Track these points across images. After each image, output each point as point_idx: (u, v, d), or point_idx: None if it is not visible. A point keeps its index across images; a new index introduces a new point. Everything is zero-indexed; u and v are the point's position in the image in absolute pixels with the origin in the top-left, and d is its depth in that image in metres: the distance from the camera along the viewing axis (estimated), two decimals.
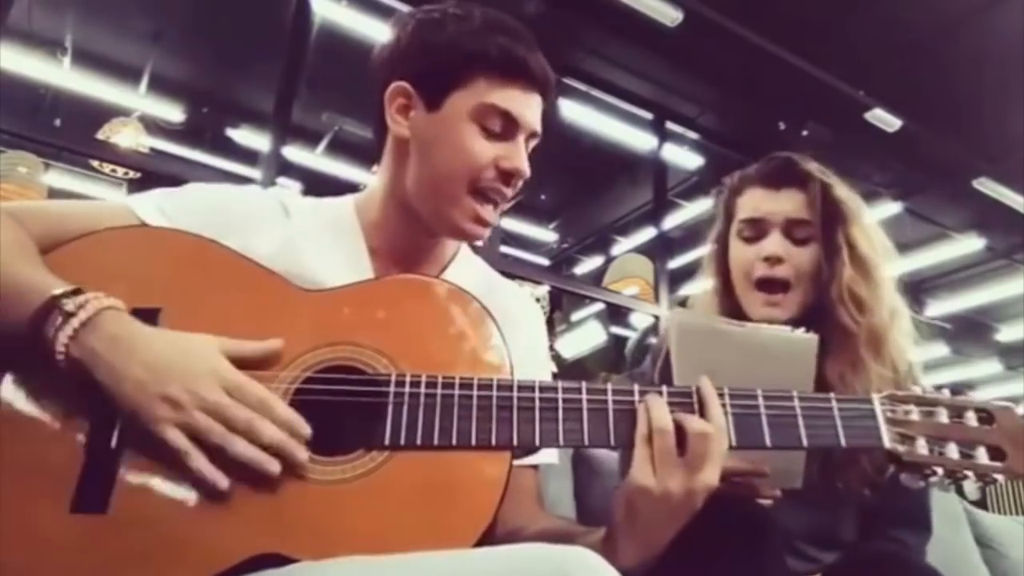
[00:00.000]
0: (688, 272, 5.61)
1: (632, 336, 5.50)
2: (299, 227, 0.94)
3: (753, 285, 1.17)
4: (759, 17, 3.83)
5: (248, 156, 5.02)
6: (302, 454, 0.70)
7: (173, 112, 5.02)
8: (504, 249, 4.73)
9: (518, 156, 0.91)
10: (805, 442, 0.77)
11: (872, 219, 1.20)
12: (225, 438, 0.69)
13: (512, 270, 4.60)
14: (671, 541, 0.75)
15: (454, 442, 0.73)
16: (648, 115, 4.89)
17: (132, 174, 4.21)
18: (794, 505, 0.95)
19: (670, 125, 4.95)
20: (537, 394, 0.76)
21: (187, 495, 0.69)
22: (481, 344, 0.80)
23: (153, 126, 4.76)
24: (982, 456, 0.78)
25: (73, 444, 0.71)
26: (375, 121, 0.98)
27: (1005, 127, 4.63)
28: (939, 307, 7.01)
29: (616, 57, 4.39)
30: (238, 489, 0.69)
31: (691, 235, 5.84)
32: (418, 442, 0.73)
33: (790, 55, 4.06)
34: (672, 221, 5.58)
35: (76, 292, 0.72)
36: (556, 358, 6.21)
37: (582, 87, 4.54)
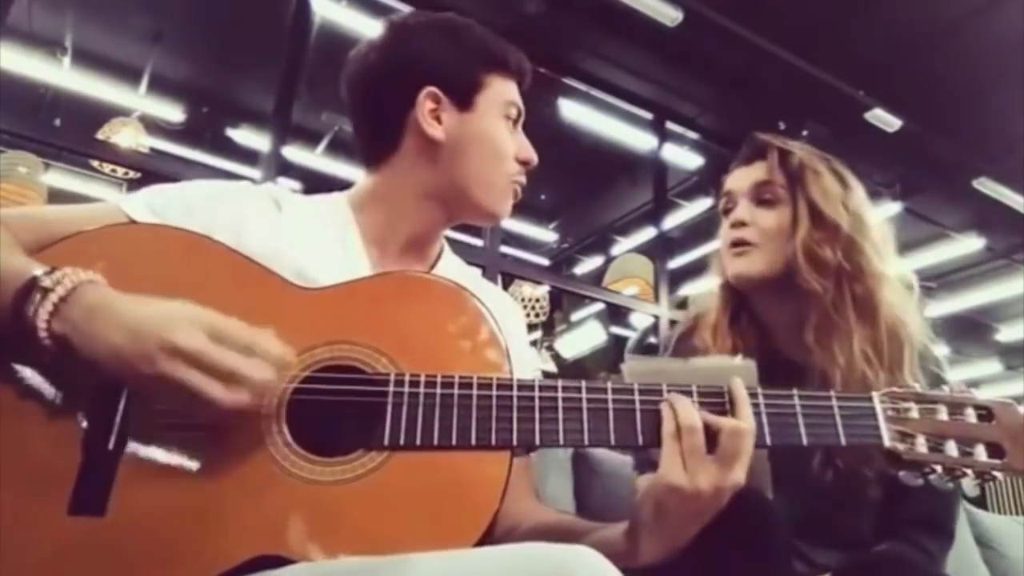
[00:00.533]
0: (688, 272, 5.62)
1: (632, 336, 5.50)
2: (292, 222, 0.94)
3: (729, 253, 1.22)
4: (759, 17, 3.83)
5: (248, 156, 5.01)
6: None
7: (173, 112, 5.01)
8: (504, 249, 4.71)
9: (529, 146, 1.01)
10: (805, 440, 0.78)
11: (854, 186, 1.21)
12: (203, 386, 0.66)
13: (512, 270, 4.62)
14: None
15: (454, 442, 0.73)
16: (648, 115, 4.88)
17: (132, 174, 4.19)
18: (796, 500, 0.94)
19: (670, 125, 4.94)
20: (537, 393, 0.76)
21: (187, 496, 0.69)
22: (481, 342, 0.80)
23: (153, 126, 4.75)
24: (981, 453, 0.78)
25: (70, 445, 0.70)
26: (383, 123, 0.99)
27: (1005, 127, 4.64)
28: (939, 307, 7.00)
29: (616, 57, 4.38)
30: (237, 489, 0.69)
31: (691, 235, 5.85)
32: (418, 442, 0.73)
33: (790, 55, 4.06)
34: (672, 221, 5.58)
35: (53, 270, 0.71)
36: (556, 358, 6.22)
37: (582, 87, 4.53)
